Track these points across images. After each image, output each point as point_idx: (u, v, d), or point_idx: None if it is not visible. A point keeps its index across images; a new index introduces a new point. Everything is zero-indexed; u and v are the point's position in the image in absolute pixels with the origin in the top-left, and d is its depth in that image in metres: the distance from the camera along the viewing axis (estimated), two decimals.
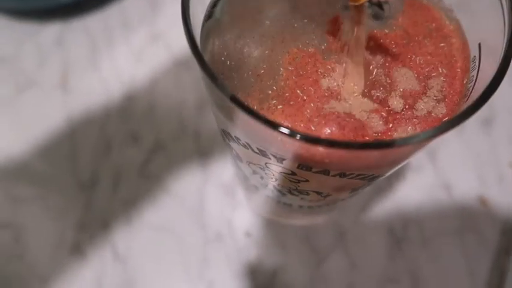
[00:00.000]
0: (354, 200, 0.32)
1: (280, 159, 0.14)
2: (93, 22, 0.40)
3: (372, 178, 0.16)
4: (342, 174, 0.14)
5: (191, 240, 0.31)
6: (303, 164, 0.14)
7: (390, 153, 0.12)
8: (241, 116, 0.12)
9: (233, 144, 0.17)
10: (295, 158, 0.13)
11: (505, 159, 0.34)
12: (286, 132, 0.11)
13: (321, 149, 0.12)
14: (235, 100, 0.12)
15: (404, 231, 0.32)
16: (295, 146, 0.12)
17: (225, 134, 0.17)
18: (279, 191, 0.19)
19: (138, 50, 0.39)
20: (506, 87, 0.36)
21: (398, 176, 0.33)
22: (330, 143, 0.11)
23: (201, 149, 0.34)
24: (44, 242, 0.31)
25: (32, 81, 0.37)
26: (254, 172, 0.18)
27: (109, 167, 0.34)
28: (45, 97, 0.37)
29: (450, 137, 0.35)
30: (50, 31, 0.40)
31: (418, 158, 0.34)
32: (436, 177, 0.33)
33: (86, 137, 0.35)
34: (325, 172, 0.14)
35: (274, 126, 0.12)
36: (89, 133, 0.35)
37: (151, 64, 0.38)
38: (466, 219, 0.32)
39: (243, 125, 0.13)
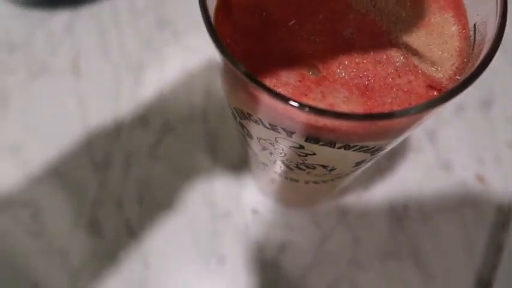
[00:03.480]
0: (356, 180, 0.33)
1: (290, 133, 0.15)
2: (101, 9, 0.41)
3: (374, 151, 0.17)
4: (347, 147, 0.15)
5: (201, 217, 0.33)
6: (311, 137, 0.15)
7: (391, 124, 0.14)
8: (255, 93, 0.14)
9: (244, 122, 0.18)
10: (304, 131, 0.15)
11: (503, 139, 0.35)
12: (296, 106, 0.13)
13: (328, 120, 0.13)
14: (249, 76, 0.13)
15: (404, 208, 0.33)
16: (303, 118, 0.13)
17: (237, 112, 0.18)
18: (287, 166, 0.20)
19: (147, 35, 0.40)
20: (505, 70, 0.37)
21: (398, 156, 0.34)
22: (337, 115, 0.13)
23: (209, 131, 0.35)
24: (61, 219, 0.33)
25: (44, 67, 0.39)
26: (264, 148, 0.20)
27: (121, 148, 0.35)
28: (57, 83, 0.38)
29: (450, 117, 0.36)
30: (60, 19, 0.41)
31: (418, 139, 0.35)
32: (435, 157, 0.35)
33: (98, 119, 0.36)
34: (331, 144, 0.15)
35: (285, 100, 0.13)
36: (101, 116, 0.36)
37: (160, 49, 0.39)
38: (464, 197, 0.33)
39: (256, 101, 0.15)
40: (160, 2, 0.41)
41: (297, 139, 0.16)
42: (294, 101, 0.13)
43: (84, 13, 0.41)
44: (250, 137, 0.19)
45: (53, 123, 0.36)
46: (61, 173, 0.34)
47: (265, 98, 0.13)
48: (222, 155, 0.35)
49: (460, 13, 0.17)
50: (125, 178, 0.34)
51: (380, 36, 0.17)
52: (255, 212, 0.33)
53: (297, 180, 0.23)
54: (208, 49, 0.39)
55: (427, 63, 0.17)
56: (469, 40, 0.16)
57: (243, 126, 0.19)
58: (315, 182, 0.23)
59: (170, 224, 0.33)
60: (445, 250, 0.32)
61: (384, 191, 0.34)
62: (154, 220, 0.33)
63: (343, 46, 0.17)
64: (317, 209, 0.33)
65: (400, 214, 0.33)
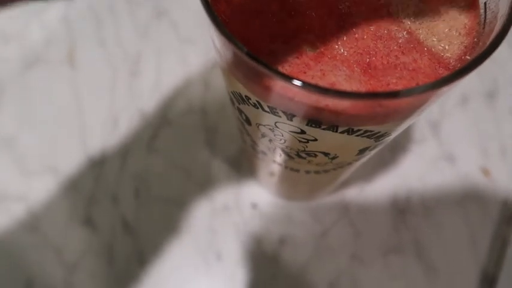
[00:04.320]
0: (358, 172, 0.33)
1: (290, 116, 0.14)
2: None
3: (379, 136, 0.16)
4: (350, 131, 0.15)
5: (198, 212, 0.32)
6: (312, 120, 0.14)
7: (397, 104, 0.13)
8: (253, 71, 0.13)
9: (242, 107, 0.17)
10: (305, 113, 0.14)
11: (508, 132, 0.34)
12: (298, 84, 0.12)
13: (331, 100, 0.12)
14: (246, 53, 0.12)
15: (407, 202, 0.32)
16: (305, 98, 0.13)
17: (235, 96, 0.17)
18: (287, 154, 0.19)
19: (144, 26, 0.39)
20: (509, 61, 0.36)
21: (401, 148, 0.34)
22: (340, 94, 0.12)
23: (208, 124, 0.35)
24: (56, 215, 0.32)
25: (39, 58, 0.38)
26: (263, 135, 0.19)
27: (117, 141, 0.34)
28: (52, 73, 0.37)
29: (453, 109, 0.35)
30: (56, 8, 0.40)
31: (421, 131, 0.34)
32: (439, 149, 0.34)
33: (94, 112, 0.35)
34: (334, 128, 0.15)
35: (286, 78, 0.12)
36: (97, 109, 0.35)
37: (157, 40, 0.38)
38: (468, 190, 0.33)
39: (255, 81, 0.14)
40: None
41: (297, 123, 0.15)
42: (295, 79, 0.12)
43: (80, 3, 0.40)
44: (249, 123, 0.19)
45: (48, 115, 0.35)
46: (56, 167, 0.33)
47: (264, 77, 0.13)
48: (221, 148, 0.34)
49: None
50: (121, 172, 0.33)
51: (379, 10, 0.16)
52: (254, 206, 0.32)
53: (297, 170, 0.22)
54: (206, 39, 0.38)
55: (433, 41, 0.16)
56: (479, 18, 0.16)
57: (241, 112, 0.18)
58: (316, 172, 0.22)
59: (167, 219, 0.32)
60: (448, 245, 0.31)
61: (386, 184, 0.33)
62: (151, 215, 0.32)
63: (340, 21, 0.16)
64: (318, 202, 0.32)
65: (402, 208, 0.32)
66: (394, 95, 0.12)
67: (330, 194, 0.32)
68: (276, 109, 0.15)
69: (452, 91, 0.34)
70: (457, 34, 0.16)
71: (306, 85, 0.12)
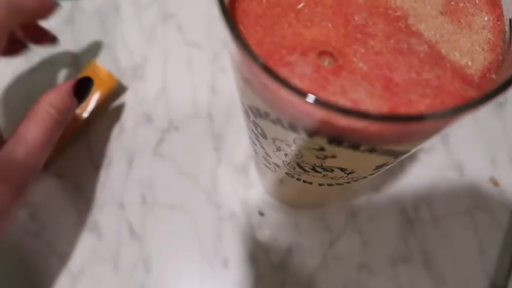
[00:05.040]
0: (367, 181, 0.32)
1: (312, 134, 0.14)
2: (103, 0, 0.40)
3: (399, 154, 0.16)
4: (372, 150, 0.14)
5: (205, 218, 0.32)
6: (334, 138, 0.14)
7: (423, 125, 0.13)
8: (275, 88, 0.12)
9: (260, 121, 0.17)
10: (327, 132, 0.13)
11: None
12: (326, 105, 0.11)
13: (358, 121, 0.12)
14: (269, 70, 0.12)
15: (416, 211, 0.32)
16: (329, 118, 0.12)
17: (251, 111, 0.17)
18: (302, 167, 0.19)
19: (149, 29, 0.38)
20: None
21: (410, 157, 0.33)
22: (364, 115, 0.11)
23: (214, 130, 0.34)
24: (61, 220, 0.32)
25: (45, 60, 0.37)
26: (278, 149, 0.18)
27: (123, 146, 0.34)
28: (57, 76, 0.37)
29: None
30: (61, 11, 0.39)
31: (430, 139, 0.34)
32: (448, 158, 0.33)
33: (99, 116, 0.35)
34: (356, 147, 0.14)
35: (313, 98, 0.12)
36: (102, 112, 0.35)
37: (163, 44, 0.38)
38: (477, 199, 0.32)
39: (276, 99, 0.13)
40: None
41: (318, 141, 0.15)
42: (320, 99, 0.11)
43: (85, 5, 0.40)
44: (265, 137, 0.18)
45: None
46: (61, 172, 0.33)
47: (288, 96, 0.12)
48: (227, 154, 0.34)
49: (493, 1, 0.16)
50: (126, 178, 0.33)
51: (397, 22, 0.16)
52: (261, 213, 0.32)
53: (310, 183, 0.22)
54: (212, 44, 0.38)
55: (456, 55, 0.15)
56: (504, 35, 0.15)
57: (257, 126, 0.18)
58: (329, 185, 0.22)
59: (173, 226, 0.32)
60: (457, 254, 0.31)
61: (395, 192, 0.32)
62: (157, 221, 0.32)
63: (357, 32, 0.15)
64: (326, 211, 0.32)
65: (410, 217, 0.32)
66: (420, 118, 0.12)
67: (338, 202, 0.32)
68: (296, 126, 0.14)
69: None
70: (480, 49, 0.15)
71: (330, 106, 0.12)
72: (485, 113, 0.35)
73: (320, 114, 0.12)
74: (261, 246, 0.31)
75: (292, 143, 0.16)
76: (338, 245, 0.31)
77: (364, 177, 0.20)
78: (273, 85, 0.12)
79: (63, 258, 0.31)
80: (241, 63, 0.14)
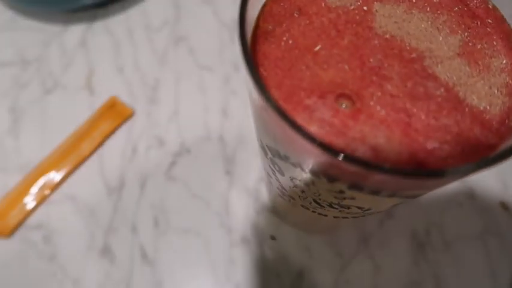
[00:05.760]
0: None
1: (332, 180, 0.14)
2: (115, 23, 0.41)
3: (416, 196, 0.16)
4: (392, 195, 0.15)
5: (217, 242, 0.32)
6: (355, 185, 0.14)
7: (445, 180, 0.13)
8: (299, 142, 0.13)
9: (278, 161, 0.17)
10: (349, 180, 0.14)
11: None
12: (345, 159, 0.12)
13: (378, 174, 0.12)
14: (295, 126, 0.12)
15: (427, 235, 0.32)
16: (354, 171, 0.12)
17: (270, 150, 0.17)
18: (319, 203, 0.19)
19: (162, 52, 0.39)
20: None
21: None
22: (394, 171, 0.12)
23: (226, 153, 0.34)
24: (74, 244, 0.32)
25: (58, 82, 0.38)
26: (295, 186, 0.19)
27: (136, 170, 0.34)
28: (71, 98, 0.37)
29: None
30: (74, 33, 0.40)
31: None
32: (459, 182, 0.34)
33: (112, 139, 0.35)
34: (376, 193, 0.14)
35: (334, 152, 0.12)
36: (115, 135, 0.35)
37: (175, 67, 0.38)
38: (488, 224, 0.32)
39: (298, 148, 0.14)
40: (176, 17, 0.40)
41: (339, 185, 0.15)
42: (341, 152, 0.12)
43: (98, 28, 0.40)
44: (282, 174, 0.19)
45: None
46: (74, 195, 0.33)
47: (309, 147, 0.13)
48: (239, 177, 0.34)
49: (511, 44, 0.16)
50: (139, 201, 0.33)
51: (413, 64, 0.16)
52: (273, 237, 0.32)
53: (325, 215, 0.22)
54: (224, 66, 0.39)
55: (474, 99, 0.15)
56: None
57: (274, 163, 0.18)
58: (344, 217, 0.22)
59: (186, 250, 0.32)
60: (468, 279, 0.31)
61: (406, 217, 0.33)
62: (169, 245, 0.32)
63: (373, 75, 0.15)
64: (337, 235, 0.32)
65: (422, 241, 0.32)
66: (441, 174, 0.12)
67: (349, 227, 0.32)
68: (318, 173, 0.15)
69: None
70: (499, 93, 0.16)
71: (351, 159, 0.12)
72: None
73: (341, 164, 0.13)
74: (273, 271, 0.31)
75: (311, 184, 0.16)
76: (349, 270, 0.31)
77: (380, 212, 0.21)
78: (295, 136, 0.13)
79: (76, 282, 0.31)
80: (262, 109, 0.15)
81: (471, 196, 0.33)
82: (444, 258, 0.32)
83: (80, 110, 0.36)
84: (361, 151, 0.14)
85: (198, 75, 0.38)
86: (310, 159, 0.14)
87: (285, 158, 0.16)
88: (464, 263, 0.31)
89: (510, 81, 0.16)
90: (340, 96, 0.15)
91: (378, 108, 0.15)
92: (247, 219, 0.33)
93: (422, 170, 0.11)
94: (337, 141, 0.14)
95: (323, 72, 0.16)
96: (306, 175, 0.16)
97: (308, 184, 0.17)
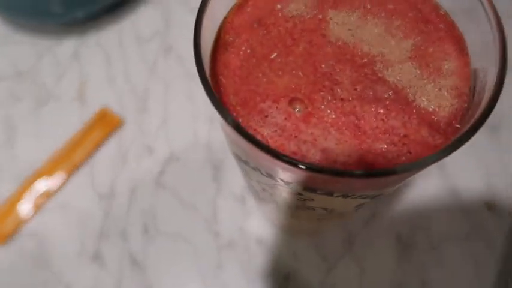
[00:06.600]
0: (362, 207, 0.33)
1: (288, 183, 0.15)
2: (107, 36, 0.42)
3: (374, 197, 0.16)
4: (345, 196, 0.15)
5: (205, 247, 0.33)
6: (308, 188, 0.15)
7: (390, 178, 0.13)
8: (247, 146, 0.13)
9: (243, 165, 0.18)
10: (301, 182, 0.14)
11: None
12: (290, 162, 0.12)
13: (325, 177, 0.13)
14: (240, 131, 0.13)
15: (412, 236, 0.32)
16: (299, 173, 0.13)
17: (236, 157, 0.18)
18: (288, 206, 0.20)
19: (152, 62, 0.40)
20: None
21: (406, 182, 0.34)
22: (333, 172, 0.12)
23: (213, 160, 0.35)
24: (66, 250, 0.33)
25: (51, 94, 0.39)
26: (264, 189, 0.19)
27: (126, 178, 0.35)
28: (63, 109, 0.38)
29: None
30: (67, 46, 0.41)
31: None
32: (443, 183, 0.34)
33: (103, 148, 0.36)
34: (329, 193, 0.15)
35: (278, 156, 0.13)
36: (106, 145, 0.36)
37: (165, 76, 0.39)
38: (473, 225, 0.33)
39: (252, 154, 0.14)
40: (166, 27, 0.41)
41: (294, 188, 0.15)
42: (288, 158, 0.12)
43: (90, 41, 0.41)
44: (251, 178, 0.19)
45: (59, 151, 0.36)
46: (67, 203, 0.34)
47: (260, 153, 0.13)
48: (226, 183, 0.35)
49: (461, 48, 0.17)
50: (130, 208, 0.34)
51: (363, 68, 0.16)
52: (259, 241, 0.33)
53: (297, 218, 0.23)
54: None
55: (423, 101, 0.16)
56: (470, 82, 0.16)
57: (243, 168, 0.19)
58: (318, 220, 0.22)
59: (174, 255, 0.32)
60: (453, 279, 0.31)
61: (391, 217, 0.33)
62: (159, 251, 0.33)
63: (324, 80, 0.16)
64: (323, 237, 0.32)
65: (407, 243, 0.32)
66: (387, 173, 0.13)
67: (335, 227, 0.32)
68: (273, 176, 0.15)
69: None
70: (448, 95, 0.16)
71: (297, 163, 0.12)
72: (480, 137, 0.35)
73: (290, 170, 0.13)
74: (260, 274, 0.32)
75: (273, 187, 0.17)
76: (335, 273, 0.31)
77: (349, 213, 0.21)
78: (244, 143, 0.13)
79: (68, 286, 0.32)
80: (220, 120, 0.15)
81: (456, 197, 0.33)
82: (430, 259, 0.32)
83: (72, 121, 0.37)
84: (312, 153, 0.15)
85: (187, 84, 0.39)
86: (262, 162, 0.14)
87: (246, 163, 0.17)
88: (449, 264, 0.32)
89: (459, 84, 0.16)
90: (293, 100, 0.16)
91: (328, 111, 0.15)
92: (234, 223, 0.33)
93: (353, 171, 0.12)
94: (288, 144, 0.15)
95: (278, 78, 0.16)
96: (266, 178, 0.16)
97: (272, 187, 0.17)
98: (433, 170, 0.34)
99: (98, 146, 0.36)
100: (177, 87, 0.39)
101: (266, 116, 0.15)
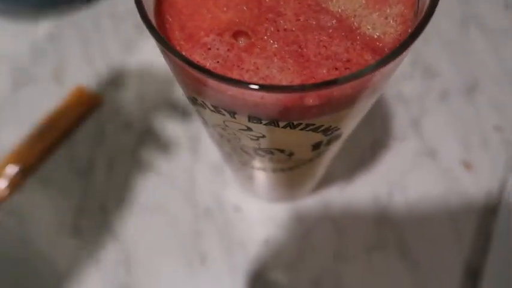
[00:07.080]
0: (337, 171, 0.33)
1: (232, 113, 0.15)
2: (83, 16, 0.42)
3: (325, 130, 0.16)
4: (291, 125, 0.15)
5: (183, 217, 0.33)
6: (252, 116, 0.15)
7: (324, 95, 0.13)
8: (188, 72, 0.13)
9: (196, 108, 0.18)
10: (242, 108, 0.14)
11: (489, 124, 0.34)
12: (222, 79, 0.12)
13: (261, 94, 0.13)
14: (177, 54, 0.13)
15: (389, 198, 0.32)
16: (241, 98, 0.13)
17: (188, 99, 0.18)
18: (246, 152, 0.20)
19: (127, 40, 0.40)
20: (487, 55, 0.37)
21: (382, 145, 0.34)
22: (262, 88, 0.12)
23: (190, 132, 0.35)
24: (46, 227, 0.33)
25: (28, 76, 0.39)
26: (221, 135, 0.19)
27: (104, 153, 0.35)
28: (41, 91, 0.38)
29: (434, 105, 0.35)
30: (42, 28, 0.41)
31: (402, 127, 0.34)
32: (420, 144, 0.34)
33: (81, 126, 0.36)
34: (275, 123, 0.15)
35: (213, 75, 0.13)
36: (84, 122, 0.36)
37: (140, 52, 0.39)
38: (451, 184, 0.33)
39: (194, 82, 0.14)
40: None
41: (240, 119, 0.15)
42: (223, 77, 0.12)
43: (66, 22, 0.41)
44: (207, 125, 0.19)
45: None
46: (45, 179, 0.34)
47: (198, 76, 0.13)
48: (203, 154, 0.35)
49: None
50: (107, 182, 0.34)
51: (306, 0, 0.16)
52: (237, 209, 0.33)
53: (264, 169, 0.23)
54: None
55: (368, 29, 0.16)
56: (415, 7, 0.16)
57: (198, 114, 0.19)
58: (282, 170, 0.22)
59: (153, 226, 0.32)
60: (432, 239, 0.31)
61: (368, 181, 0.33)
62: (137, 223, 0.33)
63: (268, 12, 0.16)
64: (300, 203, 0.32)
65: (384, 204, 0.32)
66: (329, 83, 0.12)
67: (311, 193, 0.32)
68: (218, 107, 0.15)
69: (390, 81, 0.34)
70: (393, 23, 0.16)
71: (234, 82, 0.12)
72: (456, 98, 0.35)
73: (228, 91, 0.13)
74: (238, 241, 0.32)
75: (225, 125, 0.17)
76: (313, 236, 0.31)
77: (311, 160, 0.21)
78: (187, 70, 0.13)
79: (48, 262, 0.32)
80: (162, 52, 0.15)
81: (433, 157, 0.33)
82: (407, 220, 0.32)
83: (50, 101, 0.37)
84: (254, 81, 0.15)
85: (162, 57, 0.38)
86: (202, 90, 0.14)
87: (194, 101, 0.17)
88: (427, 224, 0.32)
89: (405, 11, 0.16)
90: (237, 33, 0.16)
91: (271, 41, 0.15)
92: (211, 192, 0.33)
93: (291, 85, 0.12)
94: (231, 74, 0.15)
95: (223, 14, 0.16)
96: (215, 115, 0.16)
97: (224, 127, 0.17)
98: (408, 132, 0.34)
99: (76, 123, 0.36)
100: (153, 62, 0.39)
101: (209, 49, 0.15)
